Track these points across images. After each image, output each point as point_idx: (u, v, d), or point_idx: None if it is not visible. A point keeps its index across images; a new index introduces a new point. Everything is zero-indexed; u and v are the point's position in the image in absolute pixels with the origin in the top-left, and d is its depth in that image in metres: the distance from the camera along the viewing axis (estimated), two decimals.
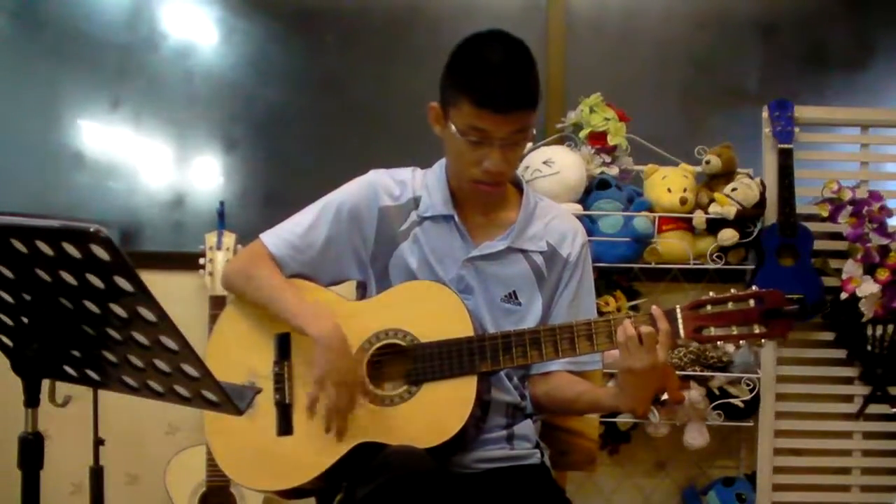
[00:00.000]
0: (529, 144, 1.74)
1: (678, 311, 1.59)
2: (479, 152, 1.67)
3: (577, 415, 1.94)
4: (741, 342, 1.60)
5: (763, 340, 1.59)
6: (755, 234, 2.84)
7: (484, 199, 1.77)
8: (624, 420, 2.87)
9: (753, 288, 1.60)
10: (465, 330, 1.66)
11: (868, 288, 2.77)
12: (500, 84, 1.62)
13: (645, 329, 1.55)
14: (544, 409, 1.87)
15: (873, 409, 2.93)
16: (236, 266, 1.84)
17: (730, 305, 1.58)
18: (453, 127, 1.67)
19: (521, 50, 1.68)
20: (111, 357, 1.27)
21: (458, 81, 1.66)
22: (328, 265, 1.81)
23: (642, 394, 1.61)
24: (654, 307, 1.60)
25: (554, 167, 2.77)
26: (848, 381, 2.96)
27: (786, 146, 2.84)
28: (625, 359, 1.57)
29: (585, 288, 1.85)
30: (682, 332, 1.58)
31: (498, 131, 1.64)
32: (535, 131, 1.71)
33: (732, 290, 1.60)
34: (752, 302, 1.57)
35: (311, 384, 1.66)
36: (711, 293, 1.61)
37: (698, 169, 2.90)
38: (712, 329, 1.58)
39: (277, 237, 1.81)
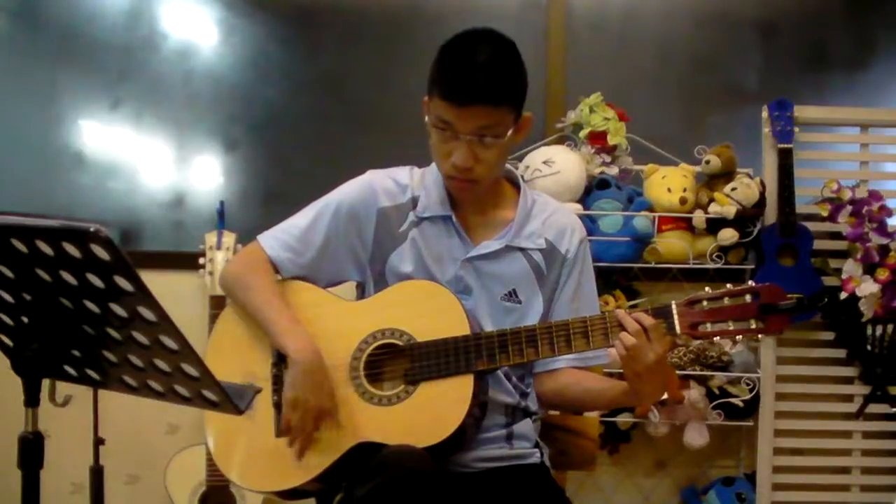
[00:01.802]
0: (509, 143, 1.71)
1: (673, 306, 1.58)
2: (448, 146, 1.67)
3: (588, 411, 1.94)
4: (738, 338, 1.59)
5: (760, 336, 1.58)
6: (755, 233, 2.84)
7: (461, 195, 1.77)
8: (624, 420, 2.87)
9: (750, 283, 1.59)
10: (461, 329, 1.66)
11: (868, 288, 2.77)
12: (465, 78, 1.62)
13: (628, 337, 1.55)
14: (553, 406, 1.88)
15: (873, 408, 2.93)
16: (232, 269, 1.83)
17: (726, 301, 1.57)
18: (427, 118, 1.69)
19: (502, 48, 1.67)
20: (111, 357, 1.27)
21: (434, 74, 1.68)
22: (326, 266, 1.80)
23: (652, 388, 1.60)
24: (619, 311, 1.59)
25: (554, 167, 2.78)
26: (848, 380, 2.96)
27: (786, 146, 2.84)
28: (626, 366, 1.58)
29: (586, 284, 1.85)
30: (677, 327, 1.57)
31: (461, 125, 1.63)
32: (511, 132, 1.67)
33: (729, 286, 1.59)
34: (748, 297, 1.56)
35: (285, 407, 1.66)
36: (707, 289, 1.60)
37: (698, 169, 2.90)
38: (708, 325, 1.57)
39: (274, 239, 1.80)
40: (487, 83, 1.63)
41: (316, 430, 1.66)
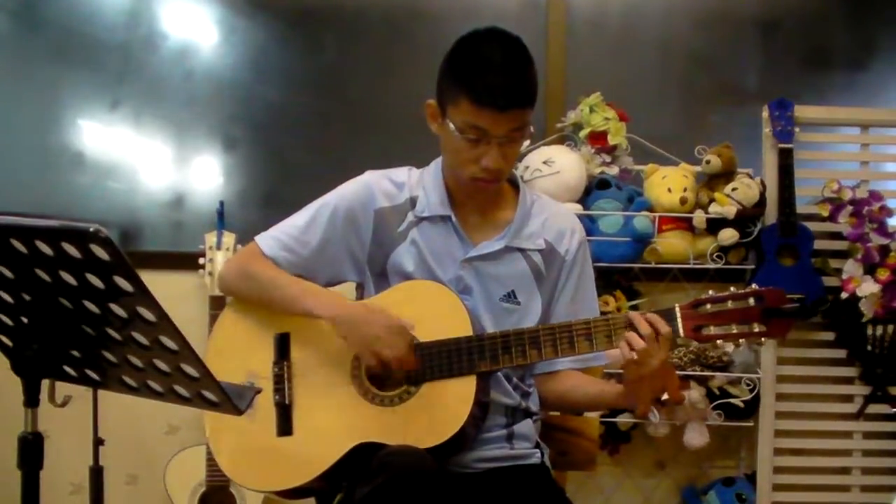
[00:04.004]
0: (527, 143, 1.73)
1: (677, 309, 1.58)
2: (477, 150, 1.66)
3: (586, 412, 1.96)
4: (741, 341, 1.59)
5: (763, 339, 1.58)
6: (755, 233, 2.84)
7: (481, 194, 1.77)
8: (624, 420, 2.86)
9: (753, 286, 1.59)
10: (464, 330, 1.66)
11: (868, 288, 2.77)
12: (498, 82, 1.61)
13: (638, 341, 1.55)
14: (553, 408, 1.89)
15: (873, 409, 2.93)
16: (234, 268, 1.83)
17: (729, 304, 1.57)
18: (451, 125, 1.67)
19: (518, 47, 1.67)
20: (111, 357, 1.27)
21: (457, 79, 1.65)
22: (324, 267, 1.80)
23: (650, 391, 1.61)
24: (633, 313, 1.59)
25: (554, 167, 2.78)
26: (848, 381, 2.96)
27: (786, 146, 2.84)
28: (631, 370, 1.57)
29: (585, 286, 1.85)
30: (681, 330, 1.57)
31: (496, 129, 1.64)
32: (532, 129, 1.70)
33: (732, 289, 1.59)
34: (751, 300, 1.56)
35: (367, 357, 1.64)
36: (711, 291, 1.60)
37: (698, 169, 2.90)
38: (712, 328, 1.57)
39: (272, 238, 1.80)
40: (524, 86, 1.64)
41: (413, 350, 1.64)
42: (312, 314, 1.69)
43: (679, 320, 1.58)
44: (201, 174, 3.23)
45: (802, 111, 2.88)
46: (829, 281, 2.86)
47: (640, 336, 1.55)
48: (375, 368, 1.66)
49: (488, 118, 1.62)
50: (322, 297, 1.71)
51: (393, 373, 1.67)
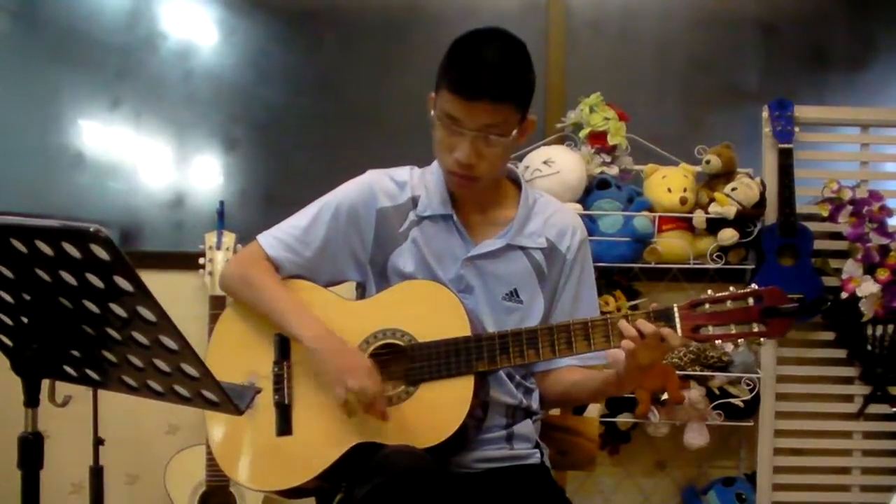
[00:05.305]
0: (519, 150, 1.73)
1: (676, 310, 1.58)
2: (452, 140, 1.67)
3: (582, 404, 1.99)
4: (740, 341, 1.59)
5: (762, 339, 1.58)
6: (755, 233, 2.84)
7: (457, 192, 1.77)
8: (624, 420, 2.86)
9: (752, 286, 1.59)
10: (462, 329, 1.66)
11: (868, 288, 2.77)
12: (472, 72, 1.62)
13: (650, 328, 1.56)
14: (555, 405, 1.90)
15: (873, 408, 2.93)
16: (233, 269, 1.83)
17: (728, 304, 1.57)
18: (432, 112, 1.69)
19: (513, 47, 1.67)
20: (111, 357, 1.27)
21: (443, 68, 1.67)
22: (325, 266, 1.80)
23: (635, 384, 1.62)
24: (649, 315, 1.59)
25: (554, 167, 2.78)
26: (848, 380, 2.96)
27: (786, 146, 2.84)
28: (634, 356, 1.57)
29: (586, 286, 1.85)
30: (679, 331, 1.57)
31: (468, 121, 1.63)
32: (516, 132, 1.67)
33: (731, 289, 1.59)
34: (750, 300, 1.56)
35: (332, 391, 1.64)
36: (710, 291, 1.60)
37: (698, 169, 2.90)
38: (710, 328, 1.57)
39: (274, 238, 1.80)
40: (496, 80, 1.63)
41: (383, 391, 1.63)
42: (296, 338, 1.70)
43: (678, 320, 1.58)
44: (201, 174, 3.23)
45: (802, 111, 2.89)
46: (829, 281, 2.86)
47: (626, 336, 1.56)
48: (341, 400, 1.63)
49: (459, 107, 1.63)
50: (307, 324, 1.70)
51: (386, 374, 1.67)
